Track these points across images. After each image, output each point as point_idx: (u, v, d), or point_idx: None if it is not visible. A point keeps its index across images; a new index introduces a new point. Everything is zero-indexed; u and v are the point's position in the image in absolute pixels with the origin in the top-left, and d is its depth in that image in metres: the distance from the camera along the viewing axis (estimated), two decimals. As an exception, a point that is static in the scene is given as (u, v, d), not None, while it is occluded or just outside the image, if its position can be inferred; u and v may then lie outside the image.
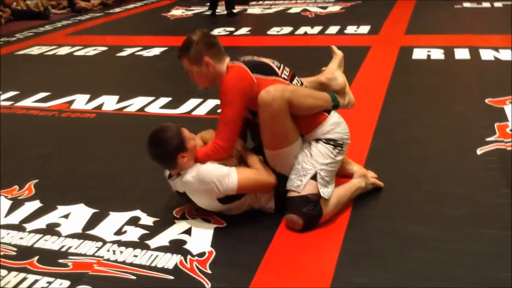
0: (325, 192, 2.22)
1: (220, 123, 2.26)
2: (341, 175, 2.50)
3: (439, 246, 2.05)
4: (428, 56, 4.83)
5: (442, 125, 3.26)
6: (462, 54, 4.78)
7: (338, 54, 2.54)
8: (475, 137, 3.00)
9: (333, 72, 2.48)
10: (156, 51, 5.83)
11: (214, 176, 2.18)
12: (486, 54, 4.71)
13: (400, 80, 4.17)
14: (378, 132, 3.16)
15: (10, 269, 2.06)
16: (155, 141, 2.24)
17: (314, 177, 2.22)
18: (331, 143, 2.29)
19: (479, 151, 2.82)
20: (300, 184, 2.22)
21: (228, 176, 2.17)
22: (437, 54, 4.85)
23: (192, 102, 3.93)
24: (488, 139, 2.94)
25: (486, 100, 3.55)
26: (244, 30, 6.69)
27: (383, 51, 5.12)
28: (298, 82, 2.38)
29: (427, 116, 3.42)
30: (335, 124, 2.32)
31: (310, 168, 2.23)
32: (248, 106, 2.25)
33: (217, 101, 3.88)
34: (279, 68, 2.33)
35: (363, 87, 3.90)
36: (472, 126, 3.18)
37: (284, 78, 2.30)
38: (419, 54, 4.89)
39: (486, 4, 7.29)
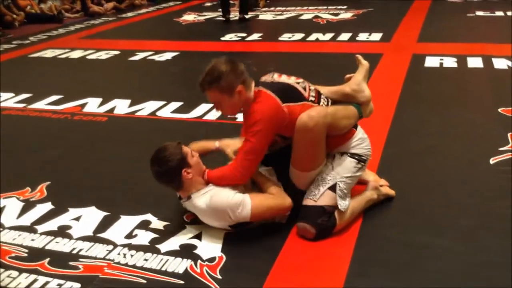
0: (342, 204, 2.21)
1: (243, 151, 2.18)
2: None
3: (451, 257, 2.03)
4: (441, 64, 4.80)
5: (454, 134, 3.24)
6: (475, 62, 4.76)
7: (364, 64, 2.47)
8: (488, 146, 2.97)
9: (359, 84, 2.40)
10: (168, 55, 5.86)
11: (227, 205, 2.14)
12: (500, 63, 4.68)
13: (412, 88, 4.15)
14: (390, 140, 3.14)
15: (21, 271, 2.07)
16: (158, 161, 2.20)
17: (332, 188, 2.21)
18: (356, 157, 2.29)
19: (492, 161, 2.80)
20: (317, 193, 2.21)
21: (242, 205, 2.13)
22: (450, 62, 4.83)
23: (204, 107, 3.94)
24: (501, 149, 2.92)
25: (499, 109, 3.52)
26: (255, 36, 6.71)
27: (395, 58, 5.11)
28: (325, 101, 2.31)
29: (439, 125, 3.40)
30: (360, 140, 2.33)
31: (330, 179, 2.23)
32: (277, 132, 2.22)
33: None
34: (305, 90, 2.25)
35: (375, 94, 3.80)
36: (485, 135, 3.16)
37: (311, 101, 2.24)
38: (431, 62, 4.87)
39: (499, 13, 7.25)
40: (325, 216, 2.17)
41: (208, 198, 2.18)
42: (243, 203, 2.14)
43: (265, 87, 2.22)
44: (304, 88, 2.27)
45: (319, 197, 2.19)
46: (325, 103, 2.30)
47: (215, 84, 2.17)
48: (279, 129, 2.20)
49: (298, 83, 2.28)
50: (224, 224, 2.22)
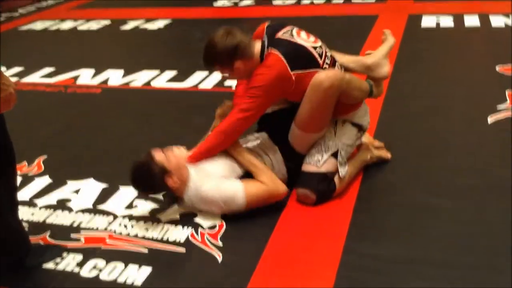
0: (342, 171, 2.21)
1: (237, 109, 2.16)
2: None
3: (451, 217, 2.05)
4: (437, 24, 4.73)
5: (452, 94, 3.22)
6: (472, 21, 4.69)
7: (390, 40, 2.43)
8: (486, 105, 2.95)
9: (382, 59, 2.38)
10: (160, 23, 5.75)
11: (218, 198, 2.09)
12: (497, 21, 4.61)
13: (409, 49, 4.10)
14: (387, 103, 3.12)
15: (39, 265, 2.02)
16: (138, 180, 2.14)
17: (335, 155, 2.21)
18: (357, 126, 2.30)
19: (490, 120, 2.79)
20: (320, 159, 2.20)
21: (234, 198, 2.08)
22: (447, 21, 4.75)
23: (198, 75, 3.90)
24: (499, 108, 2.90)
25: (497, 68, 3.49)
26: (248, 1, 6.58)
27: (391, 19, 5.02)
28: (340, 69, 2.28)
29: (436, 86, 3.37)
30: (364, 112, 2.33)
31: (333, 145, 2.23)
32: (279, 97, 2.21)
33: (224, 74, 3.86)
34: (320, 57, 2.18)
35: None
36: (482, 95, 3.14)
37: (325, 68, 2.19)
38: (428, 22, 4.79)
39: (496, -31, 7.10)
40: (325, 182, 2.18)
41: (199, 193, 2.11)
42: (235, 195, 2.08)
43: (278, 47, 2.13)
44: (320, 55, 2.19)
45: (322, 163, 2.19)
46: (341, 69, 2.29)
47: (213, 63, 2.20)
48: (282, 95, 2.18)
49: (315, 48, 2.20)
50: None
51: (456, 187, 2.24)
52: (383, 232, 2.01)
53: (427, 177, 2.34)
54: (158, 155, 2.14)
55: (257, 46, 2.18)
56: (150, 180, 2.11)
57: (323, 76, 2.09)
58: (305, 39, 2.22)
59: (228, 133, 2.18)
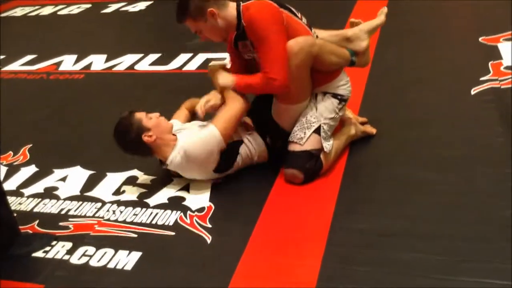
0: (327, 146, 2.21)
1: (269, 61, 2.08)
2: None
3: (438, 189, 2.07)
4: (421, -5, 4.70)
5: (435, 67, 3.22)
6: (457, -9, 4.66)
7: (380, 18, 2.42)
8: (469, 77, 2.96)
9: (362, 32, 2.36)
10: (141, 5, 5.67)
11: (200, 145, 2.13)
12: (480, -9, 4.59)
13: (392, 22, 4.04)
14: (371, 77, 3.12)
15: (26, 255, 2.01)
16: (117, 137, 2.20)
17: (317, 131, 2.20)
18: (338, 97, 2.28)
19: (473, 91, 2.80)
20: (303, 136, 2.20)
21: (210, 133, 2.14)
22: (430, -7, 4.72)
23: (183, 57, 3.86)
24: (482, 79, 2.91)
25: (480, 39, 3.49)
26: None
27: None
28: (314, 34, 2.29)
29: (420, 59, 3.37)
30: (345, 81, 2.31)
31: (315, 121, 2.22)
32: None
33: (208, 55, 3.82)
34: (297, 13, 2.25)
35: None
36: (465, 66, 3.15)
37: (304, 24, 2.23)
38: (411, -6, 4.76)
39: None
40: (312, 161, 2.18)
41: (182, 152, 2.13)
42: (211, 134, 2.13)
43: None
44: (297, 13, 2.25)
45: (305, 141, 2.19)
46: (314, 36, 2.27)
47: (186, 14, 2.13)
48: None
49: (292, 7, 2.25)
50: (208, 172, 2.21)
51: (441, 159, 2.26)
52: (370, 206, 2.02)
53: (413, 150, 2.36)
54: (140, 114, 2.20)
55: (231, 3, 2.16)
56: (126, 136, 2.17)
57: (293, 42, 2.09)
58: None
59: (269, 86, 2.12)
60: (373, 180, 2.20)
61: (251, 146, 2.30)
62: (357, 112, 2.65)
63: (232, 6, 2.16)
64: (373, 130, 2.49)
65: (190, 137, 2.18)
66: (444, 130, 2.49)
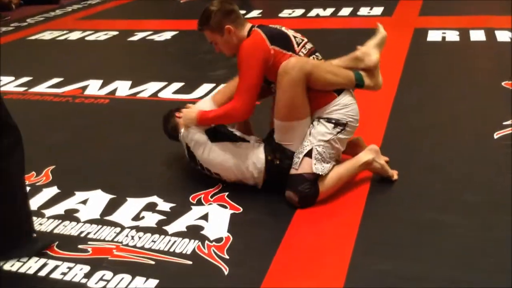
0: (319, 168, 2.23)
1: (237, 90, 2.30)
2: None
3: (457, 233, 2.05)
4: (443, 38, 4.76)
5: (458, 109, 3.23)
6: (477, 35, 4.71)
7: (381, 32, 2.48)
8: (491, 121, 2.96)
9: (370, 48, 2.41)
10: (167, 35, 5.81)
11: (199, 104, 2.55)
12: (502, 36, 4.63)
13: (414, 63, 4.13)
14: (392, 118, 3.13)
15: (29, 255, 2.08)
16: (163, 123, 2.73)
17: (309, 154, 2.24)
18: (333, 121, 2.29)
19: (496, 136, 2.80)
20: (297, 161, 2.26)
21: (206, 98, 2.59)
22: (452, 36, 4.79)
23: (205, 87, 3.93)
24: (505, 123, 2.91)
25: (503, 83, 3.50)
26: (255, 13, 6.63)
27: (397, 33, 5.04)
28: (317, 58, 2.37)
29: (442, 100, 3.39)
30: (342, 106, 2.31)
31: (307, 144, 2.27)
32: (266, 71, 2.29)
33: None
34: (298, 45, 2.33)
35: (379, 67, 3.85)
36: (488, 110, 3.15)
37: (301, 56, 2.31)
38: (433, 36, 4.82)
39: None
40: (306, 184, 2.22)
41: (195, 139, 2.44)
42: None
43: (261, 28, 2.35)
44: (298, 44, 2.34)
45: (299, 165, 2.25)
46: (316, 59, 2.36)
47: (206, 24, 2.35)
48: (266, 68, 2.26)
49: (295, 37, 2.37)
50: (200, 136, 2.43)
51: (462, 204, 2.25)
52: (389, 247, 2.01)
53: (434, 193, 2.35)
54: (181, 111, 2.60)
55: (247, 25, 2.39)
56: (165, 120, 2.69)
57: (284, 62, 2.22)
58: (286, 29, 2.40)
59: (229, 115, 2.35)
60: (392, 221, 2.18)
61: (251, 153, 2.35)
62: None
63: (247, 28, 2.37)
64: (394, 174, 2.45)
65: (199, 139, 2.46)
66: (465, 174, 2.48)
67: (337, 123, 2.29)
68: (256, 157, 2.34)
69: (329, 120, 2.29)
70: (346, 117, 2.31)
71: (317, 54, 2.40)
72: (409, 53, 4.36)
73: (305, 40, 2.40)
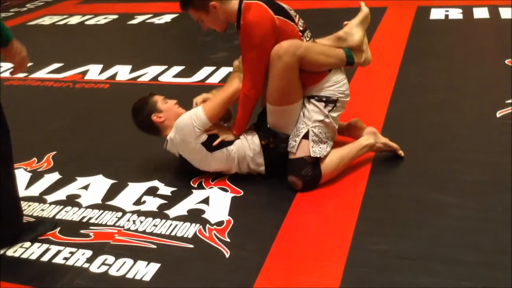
0: (316, 150, 2.22)
1: (247, 70, 2.22)
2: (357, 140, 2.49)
3: (458, 213, 2.04)
4: (446, 16, 4.70)
5: (460, 88, 3.20)
6: (481, 13, 4.65)
7: (363, 10, 2.43)
8: (494, 99, 2.94)
9: (352, 28, 2.37)
10: (167, 18, 5.76)
11: (186, 119, 2.28)
12: (506, 13, 4.57)
13: (417, 42, 4.08)
14: (395, 97, 3.11)
15: (33, 241, 2.10)
16: (133, 113, 2.46)
17: (306, 136, 2.23)
18: (323, 99, 2.27)
19: (498, 114, 2.77)
20: (294, 145, 2.25)
21: (195, 114, 2.28)
22: (455, 13, 4.72)
23: (206, 70, 3.90)
24: (508, 101, 2.88)
25: (506, 61, 3.46)
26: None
27: (400, 11, 4.99)
28: (308, 36, 2.32)
29: (445, 79, 3.35)
30: (332, 82, 2.28)
31: (303, 127, 2.25)
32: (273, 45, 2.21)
33: (230, 69, 3.85)
34: (295, 17, 2.28)
35: (379, 50, 3.81)
36: (491, 89, 3.12)
37: (299, 29, 2.26)
38: (436, 14, 4.76)
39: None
40: (308, 167, 2.22)
41: (174, 128, 2.32)
42: (195, 112, 2.28)
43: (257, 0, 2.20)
44: (295, 16, 2.28)
45: (296, 149, 2.23)
46: (307, 38, 2.30)
47: (189, 3, 2.23)
48: (274, 40, 2.19)
49: (290, 9, 2.29)
50: (200, 151, 2.31)
51: (464, 183, 2.23)
52: (390, 227, 2.00)
53: (435, 172, 2.34)
54: (157, 96, 2.45)
55: None
56: (139, 113, 2.43)
57: (277, 47, 2.15)
58: (281, 2, 2.31)
59: (247, 98, 2.27)
60: (394, 201, 2.18)
61: (245, 142, 2.34)
62: (380, 132, 2.63)
63: (234, 2, 2.21)
64: (398, 149, 2.44)
65: (182, 116, 2.33)
66: (467, 153, 2.46)
67: (328, 101, 2.27)
68: (252, 144, 2.34)
69: (319, 99, 2.26)
70: (336, 93, 2.29)
71: (308, 31, 2.35)
72: (411, 32, 4.31)
73: (297, 14, 2.34)
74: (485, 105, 2.90)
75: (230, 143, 2.33)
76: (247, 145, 2.34)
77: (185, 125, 2.28)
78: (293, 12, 2.30)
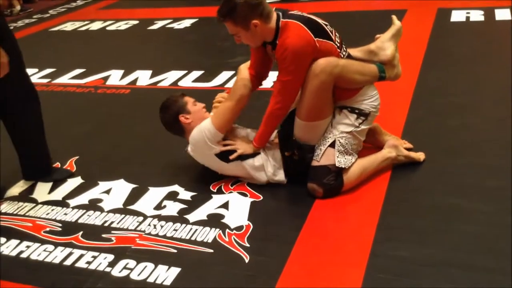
0: (342, 161, 2.22)
1: (282, 88, 2.20)
2: (376, 146, 2.48)
3: (479, 219, 2.02)
4: (467, 18, 4.64)
5: (481, 92, 3.16)
6: (502, 15, 4.58)
7: (395, 24, 2.42)
8: (517, 103, 2.89)
9: (384, 42, 2.37)
10: (186, 23, 5.81)
11: (197, 134, 2.33)
12: (529, 14, 4.49)
13: (438, 45, 4.04)
14: (415, 101, 3.09)
15: (56, 244, 2.15)
16: (161, 109, 2.48)
17: (332, 146, 2.23)
18: (356, 111, 2.27)
19: (521, 118, 2.73)
20: (319, 153, 2.25)
21: (205, 125, 2.32)
22: (477, 15, 4.66)
23: (225, 75, 3.93)
24: (531, 105, 2.84)
25: (529, 64, 3.41)
26: (274, -2, 6.56)
27: (420, 14, 4.94)
28: (345, 52, 2.30)
29: (466, 83, 3.32)
30: (367, 96, 2.29)
31: (330, 136, 2.25)
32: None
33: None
34: (331, 33, 2.24)
35: (399, 53, 3.78)
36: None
37: (337, 46, 2.23)
38: (457, 16, 4.71)
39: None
40: (331, 176, 2.21)
41: (190, 140, 2.38)
42: (205, 125, 2.32)
43: (294, 18, 2.17)
44: (331, 32, 2.25)
45: (321, 157, 2.23)
46: (344, 54, 2.28)
47: (229, 16, 2.14)
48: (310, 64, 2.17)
49: (326, 24, 2.26)
50: (214, 159, 2.36)
51: (484, 189, 2.21)
52: (410, 234, 1.99)
53: (455, 178, 2.31)
54: (188, 98, 2.47)
55: (274, 16, 2.19)
56: (167, 110, 2.45)
57: (315, 65, 2.14)
58: (314, 17, 2.27)
59: (274, 116, 2.29)
60: (414, 207, 2.16)
61: (266, 157, 2.34)
62: (400, 137, 2.62)
63: (274, 20, 2.18)
64: (420, 157, 2.44)
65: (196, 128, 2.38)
66: (488, 158, 2.43)
67: (360, 113, 2.27)
68: (273, 159, 2.34)
69: (352, 110, 2.26)
70: (369, 107, 2.29)
71: (344, 46, 2.31)
72: (432, 34, 4.27)
73: (329, 26, 2.29)
74: (506, 109, 2.86)
75: (249, 156, 2.33)
76: (268, 161, 2.34)
77: (197, 140, 2.34)
78: (329, 27, 2.26)
